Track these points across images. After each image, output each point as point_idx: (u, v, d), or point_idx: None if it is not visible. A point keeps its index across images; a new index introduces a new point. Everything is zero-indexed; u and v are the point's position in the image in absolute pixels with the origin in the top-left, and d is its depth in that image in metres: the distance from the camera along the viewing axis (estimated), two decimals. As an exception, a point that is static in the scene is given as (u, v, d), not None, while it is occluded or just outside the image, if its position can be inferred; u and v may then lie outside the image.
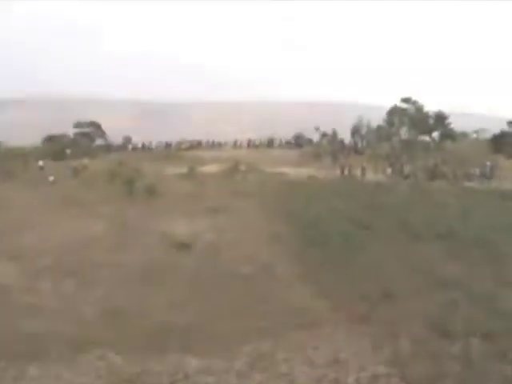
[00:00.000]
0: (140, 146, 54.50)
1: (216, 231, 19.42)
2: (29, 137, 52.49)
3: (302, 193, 25.14)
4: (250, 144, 58.28)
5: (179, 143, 63.25)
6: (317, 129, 77.16)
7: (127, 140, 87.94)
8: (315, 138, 67.38)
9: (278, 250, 17.29)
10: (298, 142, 61.35)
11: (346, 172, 33.07)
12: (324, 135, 74.90)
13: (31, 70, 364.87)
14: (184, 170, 31.72)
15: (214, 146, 59.11)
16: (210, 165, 37.46)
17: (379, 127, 42.62)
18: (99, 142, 50.42)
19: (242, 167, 34.52)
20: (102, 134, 50.19)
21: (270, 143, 58.20)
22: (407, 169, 33.64)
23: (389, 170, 33.13)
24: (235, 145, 58.72)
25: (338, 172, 33.44)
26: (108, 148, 49.12)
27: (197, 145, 57.56)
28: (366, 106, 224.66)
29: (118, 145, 55.18)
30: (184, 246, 17.99)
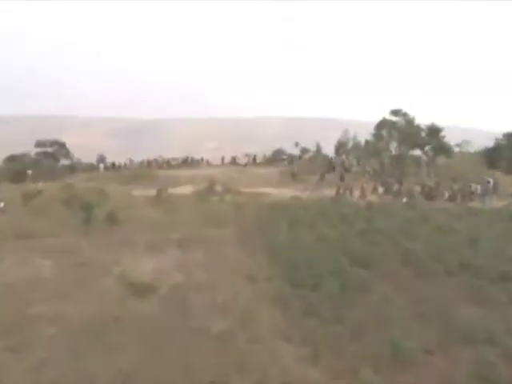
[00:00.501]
0: (113, 164, 50.81)
1: (185, 270, 16.19)
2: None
3: (285, 218, 21.97)
4: (228, 161, 55.13)
5: (154, 161, 60.01)
6: (296, 144, 75.15)
7: (101, 159, 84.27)
8: (296, 153, 65.57)
9: (259, 295, 14.14)
10: (278, 157, 58.32)
11: (342, 192, 29.82)
12: (304, 150, 72.52)
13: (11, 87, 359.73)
14: (154, 192, 28.53)
15: (193, 163, 55.78)
16: (184, 185, 34.23)
17: (367, 142, 39.83)
18: (65, 161, 46.57)
19: (219, 188, 31.43)
20: (67, 152, 46.36)
21: (249, 160, 55.08)
22: (402, 187, 30.85)
23: (381, 189, 30.25)
24: (211, 163, 55.50)
25: (327, 192, 30.37)
26: (74, 168, 45.38)
27: (172, 163, 54.11)
28: (349, 122, 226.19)
29: (87, 164, 51.53)
30: (145, 290, 14.77)
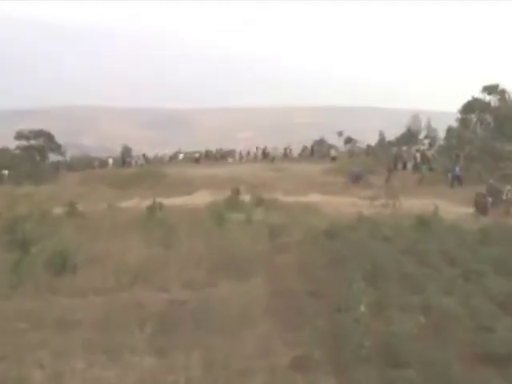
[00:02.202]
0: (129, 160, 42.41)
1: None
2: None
3: (357, 262, 12.22)
4: (262, 154, 45.59)
5: (175, 155, 50.94)
6: (340, 133, 67.62)
7: (126, 150, 76.37)
8: (339, 143, 56.74)
9: None
10: (320, 149, 48.75)
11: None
12: (349, 140, 64.62)
13: (34, 79, 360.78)
14: (155, 201, 19.36)
15: (223, 156, 46.47)
16: (200, 191, 25.00)
17: (450, 130, 29.44)
18: (58, 157, 37.77)
19: (246, 194, 22.04)
20: (57, 147, 37.44)
21: (286, 153, 45.29)
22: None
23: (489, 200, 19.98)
24: (242, 157, 46.04)
25: (408, 201, 20.43)
26: (70, 166, 36.74)
27: (198, 157, 44.94)
28: (393, 110, 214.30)
29: (99, 159, 43.01)
30: None
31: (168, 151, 57.40)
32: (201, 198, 22.07)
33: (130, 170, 32.49)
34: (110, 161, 40.70)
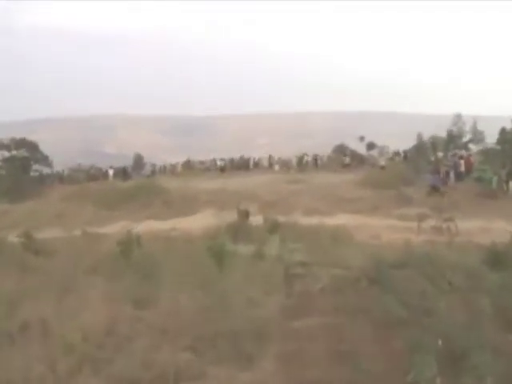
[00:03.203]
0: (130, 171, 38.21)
1: None
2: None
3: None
4: (282, 164, 41.20)
5: (186, 164, 46.75)
6: (361, 138, 63.59)
7: (139, 158, 72.76)
8: (360, 149, 53.02)
9: None
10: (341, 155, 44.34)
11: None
12: (372, 146, 60.65)
13: (54, 88, 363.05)
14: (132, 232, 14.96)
15: (242, 164, 42.19)
16: (204, 210, 20.73)
17: (504, 132, 24.63)
18: (47, 169, 33.64)
19: (258, 214, 17.67)
20: (44, 158, 33.18)
21: (305, 161, 40.76)
22: None
23: None
24: (261, 164, 41.70)
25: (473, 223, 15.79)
26: (62, 179, 32.69)
27: (224, 166, 40.75)
28: (411, 115, 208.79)
29: (96, 169, 38.98)
30: None
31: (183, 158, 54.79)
32: (202, 221, 17.79)
33: (128, 183, 28.25)
34: (111, 172, 36.55)
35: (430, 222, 16.30)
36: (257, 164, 42.45)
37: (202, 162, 46.13)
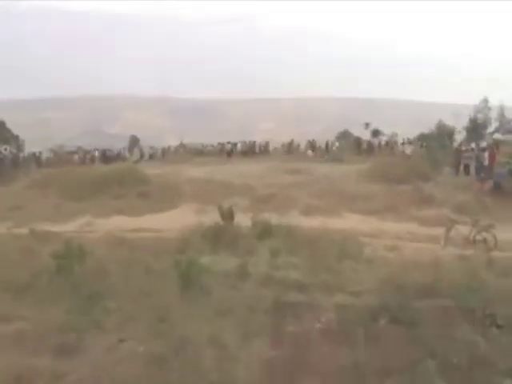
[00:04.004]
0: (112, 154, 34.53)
1: None
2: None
3: None
4: (286, 147, 38.08)
5: (180, 147, 43.38)
6: (367, 125, 58.36)
7: (135, 141, 69.68)
8: (365, 135, 50.11)
9: None
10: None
11: None
12: (377, 133, 57.81)
13: (57, 70, 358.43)
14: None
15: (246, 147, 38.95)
16: (186, 204, 17.62)
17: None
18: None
19: (247, 213, 14.54)
20: (12, 137, 29.02)
21: (310, 145, 37.63)
22: None
23: None
24: (263, 149, 38.53)
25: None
26: (40, 162, 29.11)
27: (231, 150, 37.56)
28: (424, 103, 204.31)
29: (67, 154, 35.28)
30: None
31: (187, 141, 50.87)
32: (180, 219, 14.69)
33: (107, 168, 24.91)
34: (96, 154, 33.27)
35: (460, 229, 13.13)
36: (264, 149, 39.02)
37: (203, 146, 42.25)
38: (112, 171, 20.21)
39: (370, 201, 17.39)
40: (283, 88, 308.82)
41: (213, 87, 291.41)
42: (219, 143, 40.71)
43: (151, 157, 38.60)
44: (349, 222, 14.82)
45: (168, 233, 13.17)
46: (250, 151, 37.47)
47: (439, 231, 13.28)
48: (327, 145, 37.04)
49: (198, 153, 38.33)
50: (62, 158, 31.66)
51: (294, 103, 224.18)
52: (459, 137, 27.64)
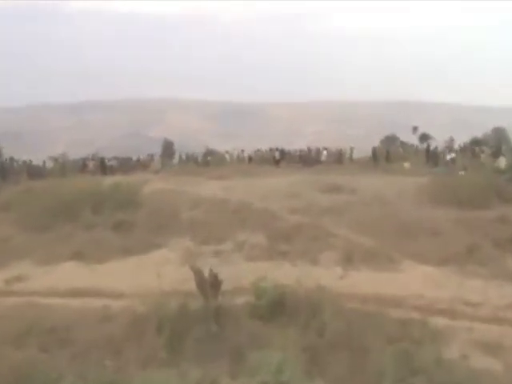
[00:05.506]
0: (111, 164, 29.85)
1: None
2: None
3: None
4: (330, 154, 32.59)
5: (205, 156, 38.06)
6: (415, 129, 59.32)
7: (168, 145, 66.88)
8: (412, 140, 50.07)
9: None
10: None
11: None
12: (425, 137, 56.69)
13: (98, 74, 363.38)
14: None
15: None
16: (170, 244, 12.62)
17: None
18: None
19: (258, 263, 9.59)
20: None
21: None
22: None
23: None
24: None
25: None
26: (33, 171, 24.90)
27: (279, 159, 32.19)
28: (465, 107, 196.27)
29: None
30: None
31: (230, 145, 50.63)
32: (155, 271, 9.75)
33: (91, 184, 20.02)
34: (91, 164, 28.85)
35: None
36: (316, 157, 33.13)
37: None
38: (93, 189, 15.49)
39: (440, 237, 11.98)
40: (328, 90, 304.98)
41: (258, 90, 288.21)
42: (270, 149, 35.18)
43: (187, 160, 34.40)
44: (412, 279, 9.48)
45: (126, 301, 8.34)
46: (305, 159, 31.77)
47: None
48: (374, 152, 31.22)
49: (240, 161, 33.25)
50: (65, 166, 27.59)
51: (336, 106, 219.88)
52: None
